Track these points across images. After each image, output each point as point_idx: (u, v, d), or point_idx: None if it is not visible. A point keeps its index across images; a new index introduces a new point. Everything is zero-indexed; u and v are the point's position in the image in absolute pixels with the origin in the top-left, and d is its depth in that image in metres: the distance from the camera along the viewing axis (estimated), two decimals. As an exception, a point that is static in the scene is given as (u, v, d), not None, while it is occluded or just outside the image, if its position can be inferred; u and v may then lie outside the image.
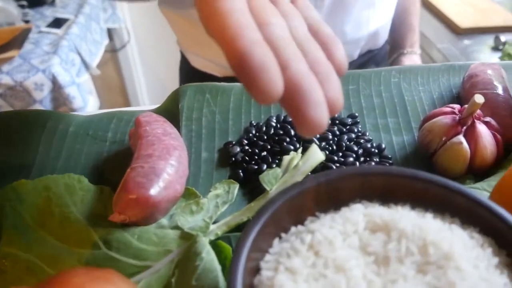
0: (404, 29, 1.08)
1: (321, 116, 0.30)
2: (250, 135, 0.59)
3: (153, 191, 0.46)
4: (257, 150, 0.56)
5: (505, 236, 0.35)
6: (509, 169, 0.41)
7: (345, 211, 0.37)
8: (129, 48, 2.45)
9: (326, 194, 0.38)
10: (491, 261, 0.34)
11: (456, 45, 1.44)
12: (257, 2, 0.34)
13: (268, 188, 0.47)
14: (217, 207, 0.48)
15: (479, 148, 0.51)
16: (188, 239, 0.44)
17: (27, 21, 1.86)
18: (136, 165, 0.49)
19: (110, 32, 2.30)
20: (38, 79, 1.62)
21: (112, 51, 2.41)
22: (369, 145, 0.57)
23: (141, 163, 0.49)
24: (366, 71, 0.69)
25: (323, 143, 0.56)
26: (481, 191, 0.49)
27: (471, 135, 0.51)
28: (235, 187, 0.49)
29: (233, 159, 0.56)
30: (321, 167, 0.53)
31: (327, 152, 0.55)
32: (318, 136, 0.57)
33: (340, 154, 0.55)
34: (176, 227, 0.46)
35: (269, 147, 0.56)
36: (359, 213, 0.36)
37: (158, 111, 0.63)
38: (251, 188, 0.53)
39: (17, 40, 1.72)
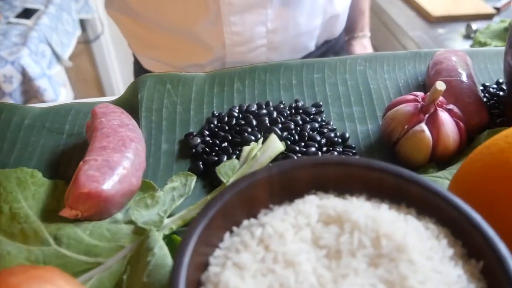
0: (354, 13, 1.10)
1: None
2: (212, 125, 0.57)
3: (106, 185, 0.45)
4: (217, 141, 0.55)
5: (461, 226, 0.34)
6: (467, 158, 0.40)
7: (298, 203, 0.36)
8: (103, 39, 2.41)
9: (279, 185, 0.37)
10: (446, 252, 0.33)
11: (429, 33, 1.44)
12: None
13: (224, 180, 0.46)
14: (173, 200, 0.46)
15: (441, 136, 0.50)
16: (141, 234, 0.43)
17: (-5, 12, 1.82)
18: (89, 158, 0.47)
19: (83, 23, 2.26)
20: (7, 71, 1.58)
21: (86, 43, 2.37)
22: (332, 135, 0.56)
23: (95, 156, 0.48)
24: (332, 59, 0.68)
25: (285, 133, 0.54)
26: (443, 180, 0.48)
27: (433, 123, 0.51)
28: (192, 180, 0.48)
29: (194, 150, 0.55)
30: (282, 158, 0.51)
31: (289, 142, 0.54)
32: (280, 126, 0.56)
33: (303, 144, 0.54)
34: (130, 222, 0.45)
35: (230, 138, 0.55)
36: (313, 205, 0.35)
37: (117, 102, 0.61)
38: (211, 180, 0.51)
39: (-15, 31, 1.68)
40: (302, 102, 0.61)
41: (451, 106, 0.53)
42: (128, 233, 0.44)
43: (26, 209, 0.45)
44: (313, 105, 0.61)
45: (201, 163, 0.53)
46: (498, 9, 1.55)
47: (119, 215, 0.46)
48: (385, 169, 0.37)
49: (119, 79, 2.60)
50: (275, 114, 0.57)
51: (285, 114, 0.58)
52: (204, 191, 0.51)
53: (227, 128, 0.56)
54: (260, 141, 0.51)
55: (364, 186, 0.38)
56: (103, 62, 2.47)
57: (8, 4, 1.86)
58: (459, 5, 1.54)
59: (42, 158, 0.55)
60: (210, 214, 0.33)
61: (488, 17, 1.51)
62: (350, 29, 1.12)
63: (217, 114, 0.59)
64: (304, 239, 0.33)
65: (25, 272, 0.31)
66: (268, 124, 0.56)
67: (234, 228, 0.36)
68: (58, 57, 1.83)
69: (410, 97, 0.53)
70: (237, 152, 0.53)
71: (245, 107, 0.59)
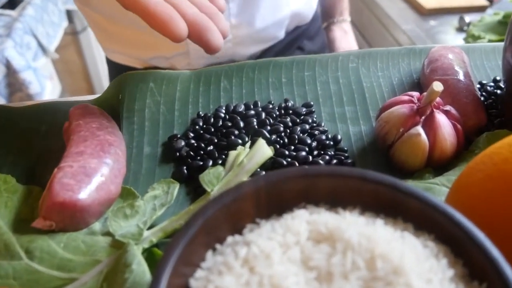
0: None
1: (218, 39, 0.45)
2: (197, 127, 0.54)
3: (82, 193, 0.42)
4: (203, 144, 0.52)
5: (462, 244, 0.31)
6: (466, 167, 0.38)
7: (286, 218, 0.33)
8: (90, 31, 2.36)
9: (267, 198, 0.34)
10: (446, 273, 0.30)
11: (421, 26, 1.41)
12: None
13: (208, 189, 0.43)
14: (154, 210, 0.43)
15: (438, 139, 0.48)
16: (119, 247, 0.40)
17: (-22, 3, 1.77)
18: (64, 164, 0.45)
19: (70, 14, 2.21)
20: (-9, 64, 1.54)
21: (73, 34, 2.32)
22: (324, 137, 0.53)
23: (70, 162, 0.45)
24: (323, 56, 0.65)
25: (274, 136, 0.52)
26: (440, 187, 0.45)
27: (430, 126, 0.48)
28: (175, 187, 0.45)
29: (177, 154, 0.52)
30: (271, 163, 0.49)
31: (278, 146, 0.51)
32: (268, 128, 0.53)
33: (292, 147, 0.51)
34: (108, 233, 0.42)
35: (216, 140, 0.52)
36: (302, 221, 0.33)
37: (97, 102, 0.58)
38: (195, 186, 0.48)
39: (-32, 22, 1.64)
40: (292, 102, 0.59)
41: (448, 108, 0.50)
42: (105, 246, 0.41)
43: (-3, 220, 0.43)
44: (303, 105, 0.58)
45: (185, 168, 0.50)
46: (491, 1, 1.52)
47: (97, 225, 0.44)
48: (380, 181, 0.34)
49: (107, 71, 2.55)
50: (263, 115, 0.55)
51: (274, 115, 0.55)
52: (188, 198, 0.48)
53: (213, 130, 0.54)
54: (248, 145, 0.48)
55: (358, 198, 0.35)
56: (91, 53, 2.42)
57: (-8, -6, 1.82)
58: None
59: (16, 161, 0.52)
60: (191, 232, 0.31)
61: (481, 9, 1.48)
62: (329, 15, 1.09)
63: (202, 115, 0.56)
64: (292, 260, 0.30)
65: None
66: (256, 127, 0.53)
67: (218, 246, 0.33)
68: (44, 49, 1.80)
69: (405, 97, 0.51)
70: (223, 156, 0.50)
71: (232, 107, 0.57)
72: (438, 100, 0.50)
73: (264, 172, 0.47)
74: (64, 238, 0.41)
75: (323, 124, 0.56)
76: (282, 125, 0.53)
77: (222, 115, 0.55)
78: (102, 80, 2.53)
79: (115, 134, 0.50)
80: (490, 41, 1.21)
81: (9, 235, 0.41)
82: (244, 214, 0.34)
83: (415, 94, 0.51)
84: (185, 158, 0.51)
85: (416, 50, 0.67)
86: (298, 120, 0.55)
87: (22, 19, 1.69)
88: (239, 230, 0.34)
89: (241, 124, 0.53)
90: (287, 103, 0.58)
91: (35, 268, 0.39)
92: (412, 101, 0.50)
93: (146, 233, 0.41)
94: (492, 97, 0.60)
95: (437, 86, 0.47)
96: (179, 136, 0.54)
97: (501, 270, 0.29)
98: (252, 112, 0.55)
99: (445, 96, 0.54)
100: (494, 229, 0.33)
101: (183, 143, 0.52)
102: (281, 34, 0.90)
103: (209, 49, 0.45)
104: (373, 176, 0.34)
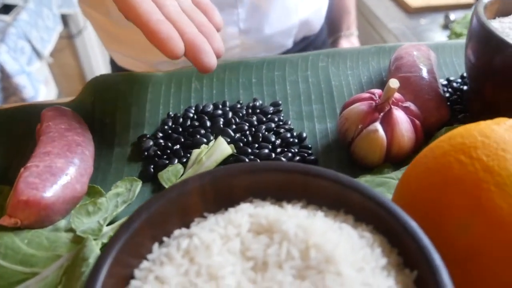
0: (339, 12, 1.08)
1: (210, 60, 0.47)
2: (166, 127, 0.56)
3: (47, 192, 0.44)
4: (170, 144, 0.53)
5: (398, 234, 0.32)
6: (413, 160, 0.39)
7: (230, 212, 0.35)
8: (86, 34, 2.39)
9: (214, 193, 0.36)
10: (379, 262, 0.31)
11: (408, 24, 1.42)
12: None
13: (166, 187, 0.45)
14: (117, 207, 0.45)
15: (395, 135, 0.49)
16: (79, 242, 0.41)
17: (-28, 8, 1.79)
18: (30, 164, 0.46)
19: (65, 18, 2.23)
20: (-15, 69, 1.56)
21: (69, 38, 2.34)
22: (288, 135, 0.54)
23: (37, 162, 0.46)
24: (294, 56, 0.67)
25: (238, 134, 0.53)
26: (395, 180, 0.47)
27: (388, 122, 0.49)
28: (138, 185, 0.47)
29: (146, 153, 0.53)
30: (234, 160, 0.50)
31: (241, 144, 0.52)
32: (234, 127, 0.54)
33: (256, 145, 0.52)
34: (71, 230, 0.43)
35: (182, 140, 0.53)
36: (245, 214, 0.34)
37: (72, 104, 0.60)
38: (161, 184, 0.50)
39: (-38, 28, 1.66)
40: (260, 101, 0.60)
41: (407, 104, 0.52)
42: (67, 242, 0.42)
43: (-35, 218, 0.44)
44: (271, 104, 0.60)
45: (152, 167, 0.51)
46: (477, -1, 1.53)
47: (62, 222, 0.45)
48: (324, 175, 0.35)
49: (103, 74, 2.57)
50: (230, 114, 0.56)
51: (241, 114, 0.56)
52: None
53: (180, 130, 0.55)
54: (211, 143, 0.50)
55: (303, 193, 0.36)
56: (87, 57, 2.44)
57: (-14, 0, 1.84)
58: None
59: (-10, 163, 0.53)
60: (134, 225, 0.32)
61: (467, 6, 1.49)
62: (336, 29, 1.09)
63: (172, 115, 0.58)
64: (232, 251, 0.32)
65: None
66: (222, 125, 0.54)
67: (165, 239, 0.34)
68: (38, 53, 1.81)
69: (366, 95, 0.52)
70: (189, 155, 0.51)
71: (201, 108, 0.58)
72: (398, 97, 0.52)
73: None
74: (29, 235, 0.43)
75: (289, 123, 0.57)
76: (247, 124, 0.54)
77: (191, 115, 0.57)
78: (99, 83, 2.54)
79: (83, 135, 0.51)
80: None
81: (-24, 233, 0.43)
82: (192, 209, 0.35)
83: (377, 91, 0.53)
84: (152, 157, 0.52)
85: (386, 49, 0.69)
86: (264, 119, 0.56)
87: (16, 24, 1.71)
88: (187, 224, 0.35)
89: (208, 123, 0.55)
90: (255, 103, 0.59)
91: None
92: (372, 98, 0.51)
93: (105, 229, 0.43)
94: (458, 93, 0.62)
95: (393, 83, 0.48)
96: (148, 136, 0.55)
97: (430, 257, 0.30)
98: (220, 111, 0.56)
99: (407, 93, 0.55)
100: (430, 220, 0.34)
101: (151, 142, 0.54)
102: (289, 43, 0.91)
103: (202, 69, 0.47)
104: (317, 170, 0.36)
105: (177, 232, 0.35)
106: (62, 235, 0.43)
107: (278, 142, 0.53)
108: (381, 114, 0.50)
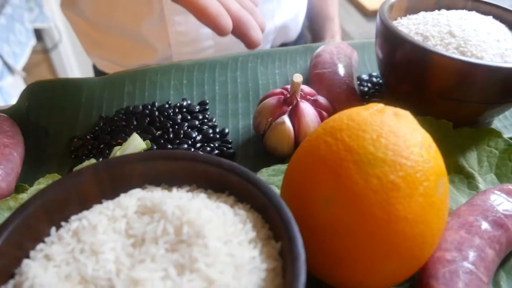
0: (322, 20, 1.08)
1: (258, 34, 0.50)
2: (96, 128, 0.59)
3: (-31, 190, 0.47)
4: (97, 143, 0.56)
5: (269, 211, 0.36)
6: (296, 151, 0.42)
7: (121, 196, 0.38)
8: (62, 48, 2.42)
9: (110, 181, 0.39)
10: (248, 235, 0.35)
11: (365, 27, 1.47)
12: None
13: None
14: (38, 201, 0.48)
15: (302, 126, 0.53)
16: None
17: None
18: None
19: (40, 33, 2.26)
20: (-45, 84, 1.59)
21: (44, 52, 2.37)
22: (210, 131, 0.58)
23: (-38, 163, 0.49)
24: (224, 57, 0.70)
25: (159, 132, 0.56)
26: (299, 168, 0.50)
27: (295, 114, 0.53)
28: (58, 181, 0.50)
29: (75, 153, 0.56)
30: (153, 156, 0.53)
31: (162, 141, 0.55)
32: (158, 124, 0.58)
33: (177, 141, 0.56)
34: (-6, 224, 0.46)
35: (109, 138, 0.57)
36: (133, 198, 0.37)
37: (10, 109, 0.63)
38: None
39: None
40: (189, 101, 0.63)
41: (317, 97, 0.55)
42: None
43: None
44: (199, 103, 0.63)
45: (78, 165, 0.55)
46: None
47: (-11, 218, 0.48)
48: (208, 160, 0.39)
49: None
50: (156, 114, 0.59)
51: (166, 114, 0.60)
52: (78, 192, 0.53)
53: (109, 130, 0.58)
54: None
55: (192, 177, 0.40)
56: (63, 70, 2.47)
57: (-44, 17, 1.87)
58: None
59: None
60: (28, 210, 0.35)
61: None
62: (320, 37, 1.09)
63: (104, 117, 0.61)
64: (117, 230, 0.35)
65: None
66: (146, 124, 0.58)
67: (63, 223, 0.38)
68: (10, 68, 1.84)
69: (278, 90, 0.56)
70: (113, 152, 0.55)
71: (131, 108, 0.61)
72: (309, 91, 0.55)
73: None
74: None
75: (214, 120, 0.61)
76: (171, 121, 0.58)
77: (121, 115, 0.60)
78: (77, 96, 2.57)
79: (13, 137, 0.55)
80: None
81: None
82: (89, 196, 0.39)
83: (289, 87, 0.56)
84: (80, 157, 0.56)
85: (313, 48, 0.72)
86: (189, 117, 0.60)
87: (-14, 40, 1.74)
88: (87, 209, 0.39)
89: (135, 123, 0.58)
90: (183, 102, 0.63)
91: None
92: (283, 93, 0.55)
93: (24, 222, 0.46)
94: (376, 86, 0.66)
95: (297, 78, 0.52)
96: (79, 137, 0.58)
97: (290, 230, 0.34)
98: (147, 111, 0.60)
99: (321, 87, 0.59)
100: (302, 197, 0.38)
101: (80, 143, 0.57)
102: (266, 48, 0.93)
103: (251, 44, 0.49)
104: (202, 157, 0.39)
105: (73, 217, 0.38)
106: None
107: (199, 138, 0.57)
108: (290, 107, 0.53)
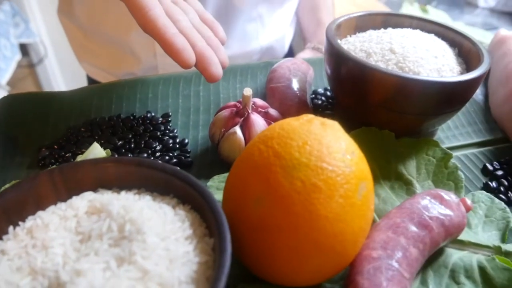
0: (313, 25, 1.08)
1: (218, 70, 0.53)
2: (64, 138, 0.63)
3: None
4: (63, 153, 0.60)
5: (206, 212, 0.40)
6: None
7: (74, 198, 0.42)
8: (47, 63, 2.46)
9: (64, 184, 0.43)
10: (185, 233, 0.39)
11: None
12: (166, 5, 0.55)
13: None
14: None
15: (252, 136, 0.57)
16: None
17: None
18: None
19: (25, 48, 2.30)
20: None
21: (30, 66, 2.41)
22: (171, 141, 0.62)
23: None
24: (188, 72, 0.74)
25: (121, 142, 0.60)
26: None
27: (246, 125, 0.57)
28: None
29: (42, 162, 0.60)
30: (114, 164, 0.57)
31: (123, 150, 0.59)
32: (120, 134, 0.62)
33: (138, 151, 0.60)
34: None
35: (74, 148, 0.60)
36: (84, 200, 0.41)
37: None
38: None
39: None
40: (153, 114, 0.67)
41: (268, 110, 0.59)
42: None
43: None
44: (162, 116, 0.67)
45: (45, 172, 0.58)
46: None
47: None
48: (153, 166, 0.43)
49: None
50: (120, 125, 0.63)
51: (129, 125, 0.64)
52: (44, 197, 0.57)
53: (76, 140, 0.62)
54: (94, 149, 0.57)
55: (140, 181, 0.44)
56: (49, 84, 2.51)
57: None
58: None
59: None
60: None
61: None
62: (308, 40, 1.08)
63: (71, 128, 0.65)
64: (68, 228, 0.39)
65: None
66: (109, 134, 0.62)
67: (20, 223, 0.41)
68: (-6, 83, 1.88)
69: (232, 103, 0.60)
70: (77, 160, 0.58)
71: (98, 119, 0.65)
72: (261, 104, 0.60)
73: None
74: None
75: (175, 131, 0.65)
76: (132, 132, 0.62)
77: (87, 127, 0.64)
78: (63, 109, 2.60)
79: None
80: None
81: None
82: (45, 198, 0.42)
83: (244, 100, 0.60)
84: (47, 165, 0.59)
85: (273, 64, 0.77)
86: (151, 128, 0.64)
87: (-29, 55, 1.77)
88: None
89: (99, 133, 0.62)
90: (147, 115, 0.67)
91: None
92: (236, 106, 0.59)
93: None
94: (329, 100, 0.70)
95: (247, 92, 0.56)
96: (46, 146, 0.62)
97: (221, 229, 0.38)
98: (111, 123, 0.64)
99: (275, 100, 0.63)
100: (238, 199, 0.42)
101: (47, 152, 0.61)
102: None
103: (210, 78, 0.53)
104: (148, 162, 0.43)
105: (30, 217, 0.42)
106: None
107: (159, 147, 0.61)
108: (242, 118, 0.58)
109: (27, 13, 2.22)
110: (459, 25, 1.54)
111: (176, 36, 0.51)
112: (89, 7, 0.92)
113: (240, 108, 0.58)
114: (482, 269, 0.47)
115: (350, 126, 0.58)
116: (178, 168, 0.43)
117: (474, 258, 0.48)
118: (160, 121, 0.65)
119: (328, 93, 0.71)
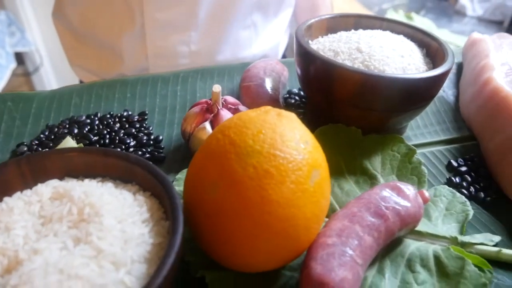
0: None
1: None
2: (42, 135, 0.65)
3: None
4: (40, 148, 0.62)
5: (163, 197, 0.42)
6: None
7: (39, 185, 0.44)
8: (43, 71, 2.49)
9: (31, 173, 0.45)
10: (142, 216, 0.41)
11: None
12: None
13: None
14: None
15: (221, 132, 0.58)
16: None
17: None
18: None
19: (21, 56, 2.33)
20: None
21: (25, 75, 2.44)
22: (145, 138, 0.64)
23: None
24: (167, 73, 0.76)
25: (96, 138, 0.62)
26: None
27: (216, 121, 0.59)
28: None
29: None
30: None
31: (98, 145, 0.61)
32: (95, 131, 0.64)
33: (112, 146, 0.62)
34: None
35: (51, 144, 0.62)
36: (49, 186, 0.43)
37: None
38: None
39: None
40: (130, 112, 0.69)
41: (238, 107, 0.61)
42: None
43: None
44: (139, 114, 0.69)
45: (22, 167, 0.60)
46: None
47: None
48: (117, 155, 0.45)
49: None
50: (96, 122, 0.65)
51: (106, 123, 0.66)
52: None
53: (53, 137, 0.64)
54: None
55: (104, 170, 0.46)
56: (45, 93, 2.53)
57: None
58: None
59: None
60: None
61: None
62: None
63: (49, 126, 0.67)
64: (31, 212, 0.41)
65: None
66: (85, 131, 0.64)
67: (-11, 209, 0.43)
68: (-11, 91, 1.90)
69: (203, 101, 0.62)
70: (53, 156, 0.60)
71: (76, 118, 0.67)
72: (232, 101, 0.62)
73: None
74: None
75: (151, 128, 0.67)
76: (108, 129, 0.64)
77: (64, 124, 0.66)
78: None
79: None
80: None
81: None
82: (12, 186, 0.44)
83: (216, 98, 0.62)
84: (24, 160, 0.61)
85: (250, 64, 0.79)
86: (127, 126, 0.66)
87: (-34, 62, 1.80)
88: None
89: (76, 130, 0.64)
90: (124, 113, 0.69)
91: None
92: (207, 103, 0.61)
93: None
94: (302, 99, 0.72)
95: (215, 88, 0.58)
96: (25, 143, 0.64)
97: (175, 213, 0.39)
98: (88, 120, 0.66)
99: (247, 98, 0.65)
100: (196, 185, 0.43)
101: (25, 148, 0.63)
102: None
103: None
104: (112, 152, 0.45)
105: (-3, 203, 0.44)
106: None
107: (133, 143, 0.63)
108: (212, 115, 0.59)
109: (23, 22, 2.25)
110: (444, 33, 1.56)
111: None
112: (81, 10, 0.94)
113: (211, 105, 0.60)
114: (437, 258, 0.49)
115: (320, 123, 0.61)
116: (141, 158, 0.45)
117: (430, 248, 0.50)
118: (136, 119, 0.67)
119: (302, 93, 0.73)
